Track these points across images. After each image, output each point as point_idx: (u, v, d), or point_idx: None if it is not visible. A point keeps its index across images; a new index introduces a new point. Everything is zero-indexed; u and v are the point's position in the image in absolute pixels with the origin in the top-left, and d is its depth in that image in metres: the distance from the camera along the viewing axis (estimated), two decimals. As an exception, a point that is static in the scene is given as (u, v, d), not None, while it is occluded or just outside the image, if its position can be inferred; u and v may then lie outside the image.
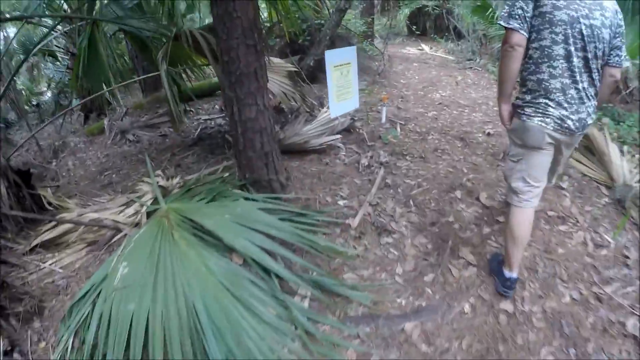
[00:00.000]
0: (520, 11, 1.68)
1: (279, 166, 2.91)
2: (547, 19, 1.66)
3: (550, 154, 1.87)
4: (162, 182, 3.10)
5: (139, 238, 2.19)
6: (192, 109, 5.63)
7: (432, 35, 10.10)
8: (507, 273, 2.05)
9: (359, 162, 3.52)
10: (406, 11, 10.58)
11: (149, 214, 2.75)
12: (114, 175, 4.09)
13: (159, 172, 3.40)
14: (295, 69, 4.49)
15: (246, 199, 2.55)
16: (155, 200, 2.77)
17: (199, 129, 4.83)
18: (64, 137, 5.72)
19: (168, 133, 5.05)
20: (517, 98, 1.88)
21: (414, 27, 10.12)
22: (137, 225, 2.71)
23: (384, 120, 4.44)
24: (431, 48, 9.21)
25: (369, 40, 6.94)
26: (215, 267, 2.00)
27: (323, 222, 2.62)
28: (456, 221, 2.73)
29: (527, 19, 1.69)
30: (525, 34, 1.69)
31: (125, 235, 2.62)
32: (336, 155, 3.67)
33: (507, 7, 1.74)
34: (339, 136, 3.79)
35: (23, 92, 9.06)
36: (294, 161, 3.53)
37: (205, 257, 2.05)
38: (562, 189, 3.01)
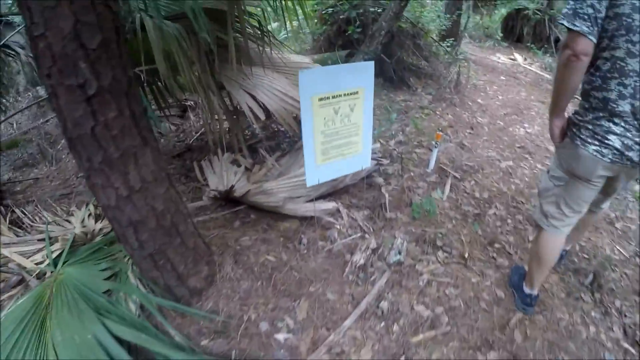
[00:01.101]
0: (590, 10, 1.30)
1: (189, 265, 1.74)
2: (624, 23, 1.30)
3: (599, 188, 1.59)
4: (78, 227, 2.16)
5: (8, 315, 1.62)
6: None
7: (528, 44, 7.72)
8: (527, 290, 1.93)
9: (351, 255, 2.19)
10: (503, 11, 8.24)
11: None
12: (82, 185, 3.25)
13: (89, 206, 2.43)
14: None
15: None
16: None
17: (186, 139, 3.77)
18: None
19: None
20: (574, 113, 1.55)
21: (508, 32, 7.91)
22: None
23: (431, 167, 2.97)
24: (525, 59, 6.94)
25: (452, 40, 5.14)
26: None
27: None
28: None
29: (598, 20, 1.31)
30: (594, 39, 1.32)
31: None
32: (324, 231, 2.36)
33: (572, 3, 1.33)
34: (331, 206, 2.45)
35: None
36: (248, 232, 2.32)
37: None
38: None
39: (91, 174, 1.34)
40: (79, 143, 1.25)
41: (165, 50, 2.23)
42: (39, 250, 2.12)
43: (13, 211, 2.57)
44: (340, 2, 4.37)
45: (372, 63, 1.79)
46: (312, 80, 1.71)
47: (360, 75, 1.79)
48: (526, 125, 4.13)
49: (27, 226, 2.43)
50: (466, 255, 2.24)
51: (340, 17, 4.34)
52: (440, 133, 2.92)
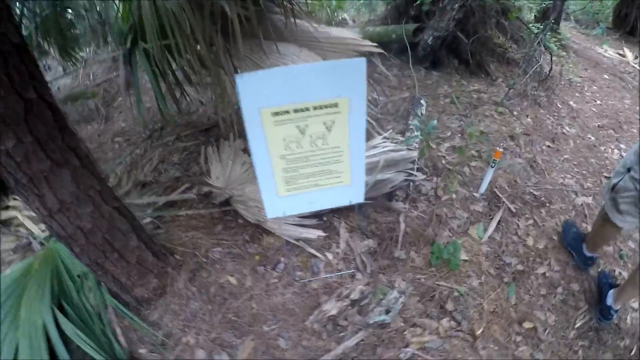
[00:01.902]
0: None
1: (133, 277, 1.65)
2: None
3: None
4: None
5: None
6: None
7: (643, 39, 5.67)
8: (588, 252, 1.99)
9: (328, 297, 1.78)
10: (618, -6, 6.11)
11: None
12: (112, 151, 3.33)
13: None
14: (377, 50, 2.61)
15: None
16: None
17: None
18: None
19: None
20: None
21: (621, 20, 5.86)
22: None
23: (482, 190, 2.33)
24: (636, 57, 5.08)
25: (552, 22, 3.86)
26: None
27: None
28: None
29: None
30: None
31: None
32: (308, 258, 1.97)
33: None
34: (316, 235, 2.02)
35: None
36: (224, 242, 2.03)
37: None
38: None
39: (15, 192, 1.30)
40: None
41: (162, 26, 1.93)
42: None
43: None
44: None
45: (362, 61, 1.25)
46: (259, 86, 1.25)
47: (343, 79, 1.27)
48: (622, 146, 3.02)
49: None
50: (479, 331, 1.68)
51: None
52: (501, 151, 2.20)
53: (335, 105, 1.32)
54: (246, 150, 2.59)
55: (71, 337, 1.55)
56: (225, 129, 2.52)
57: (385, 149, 2.31)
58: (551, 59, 3.49)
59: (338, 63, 1.24)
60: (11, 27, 1.13)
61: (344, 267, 1.93)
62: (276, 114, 1.32)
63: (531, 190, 2.42)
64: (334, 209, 2.14)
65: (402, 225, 2.06)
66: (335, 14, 5.21)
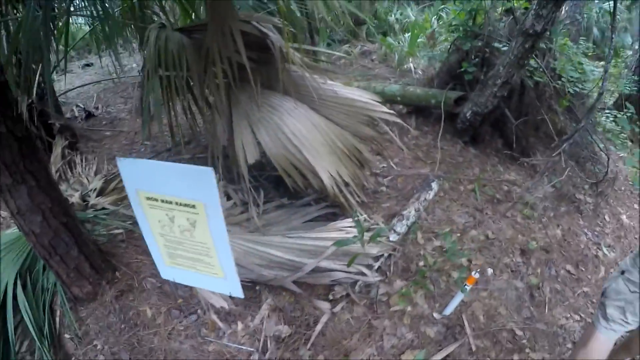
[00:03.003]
0: None
1: (71, 276, 1.91)
2: None
3: None
4: (76, 197, 2.55)
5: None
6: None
7: None
8: None
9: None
10: None
11: None
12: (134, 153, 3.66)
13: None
14: (393, 118, 2.46)
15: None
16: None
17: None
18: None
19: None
20: None
21: None
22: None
23: (447, 313, 1.97)
24: None
25: (632, 112, 3.05)
26: None
27: None
28: None
29: None
30: None
31: None
32: (217, 322, 1.87)
33: None
34: (219, 305, 1.89)
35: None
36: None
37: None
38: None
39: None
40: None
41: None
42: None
43: (75, 155, 3.18)
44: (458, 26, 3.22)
45: (210, 171, 1.15)
46: (135, 171, 1.25)
47: (196, 184, 1.19)
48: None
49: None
50: None
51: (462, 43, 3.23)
52: (477, 277, 1.82)
53: (194, 206, 1.23)
54: (227, 193, 2.59)
55: (19, 304, 1.85)
56: (212, 165, 2.58)
57: (345, 234, 2.11)
58: (608, 159, 2.84)
59: (190, 168, 1.17)
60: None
61: (247, 343, 1.80)
62: (148, 198, 1.29)
63: (513, 328, 1.96)
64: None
65: (319, 327, 1.84)
66: (404, 61, 5.02)
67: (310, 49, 2.74)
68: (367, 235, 1.91)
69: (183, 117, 2.51)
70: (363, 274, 2.01)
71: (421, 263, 2.21)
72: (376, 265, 2.09)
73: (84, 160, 3.15)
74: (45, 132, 3.16)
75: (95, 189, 2.70)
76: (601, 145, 3.04)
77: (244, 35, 2.03)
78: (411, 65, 4.75)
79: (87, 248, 1.92)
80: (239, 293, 1.49)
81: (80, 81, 5.71)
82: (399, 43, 5.32)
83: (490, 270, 2.20)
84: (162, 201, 1.26)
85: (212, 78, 2.15)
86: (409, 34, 5.37)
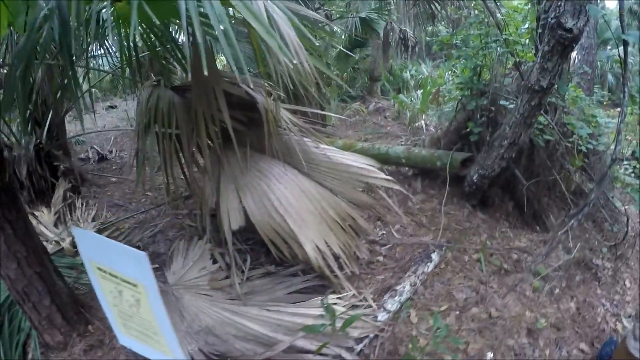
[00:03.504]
0: None
1: (43, 324, 1.96)
2: None
3: None
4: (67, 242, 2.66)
5: None
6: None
7: None
8: None
9: None
10: None
11: None
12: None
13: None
14: (392, 185, 2.44)
15: None
16: None
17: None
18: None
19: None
20: None
21: None
22: None
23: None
24: None
25: None
26: None
27: None
28: None
29: None
30: None
31: None
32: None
33: None
34: None
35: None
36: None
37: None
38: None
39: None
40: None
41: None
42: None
43: (77, 198, 3.28)
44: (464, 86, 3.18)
45: (144, 256, 1.11)
46: (87, 242, 1.25)
47: (134, 265, 1.16)
48: None
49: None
50: None
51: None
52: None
53: (136, 285, 1.20)
54: (213, 255, 2.54)
55: None
56: (200, 227, 2.56)
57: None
58: (628, 218, 2.58)
59: (128, 250, 1.15)
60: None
61: None
62: (99, 269, 1.27)
63: None
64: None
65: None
66: (416, 118, 5.03)
67: (302, 110, 2.76)
68: (348, 315, 1.79)
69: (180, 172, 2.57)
70: (341, 358, 1.85)
71: (409, 346, 2.01)
72: (358, 347, 1.91)
73: (84, 205, 3.21)
74: (50, 173, 3.28)
75: (87, 235, 2.78)
76: (618, 204, 2.81)
77: (231, 96, 2.07)
78: (423, 122, 4.75)
79: (59, 299, 1.95)
80: (184, 367, 1.39)
81: (103, 122, 6.07)
82: (411, 100, 5.37)
83: (490, 355, 1.97)
84: (111, 275, 1.23)
85: (202, 138, 2.19)
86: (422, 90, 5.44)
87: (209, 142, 2.24)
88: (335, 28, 7.18)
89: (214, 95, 1.96)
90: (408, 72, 6.56)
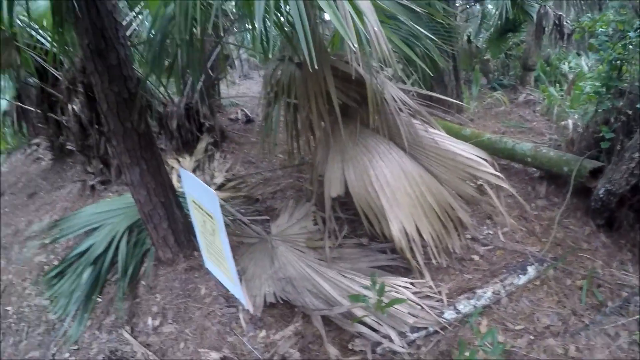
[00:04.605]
0: None
1: (160, 241, 2.49)
2: None
3: None
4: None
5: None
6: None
7: None
8: None
9: None
10: None
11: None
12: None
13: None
14: (501, 182, 2.30)
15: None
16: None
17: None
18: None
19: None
20: None
21: None
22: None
23: None
24: None
25: None
26: None
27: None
28: None
29: None
30: None
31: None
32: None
33: None
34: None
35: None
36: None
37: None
38: None
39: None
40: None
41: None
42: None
43: (216, 151, 3.88)
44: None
45: (213, 194, 1.36)
46: (189, 182, 1.60)
47: (208, 199, 1.42)
48: None
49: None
50: None
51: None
52: None
53: (212, 217, 1.46)
54: (315, 218, 2.73)
55: (120, 248, 2.60)
56: (308, 189, 2.79)
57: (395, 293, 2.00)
58: None
59: (206, 188, 1.40)
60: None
61: (260, 350, 1.95)
62: (194, 202, 1.60)
63: None
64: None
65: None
66: (564, 115, 4.26)
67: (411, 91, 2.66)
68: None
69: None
70: (390, 339, 1.87)
71: (467, 354, 1.87)
72: (412, 336, 1.91)
73: (221, 158, 3.83)
74: (196, 128, 3.96)
75: (216, 183, 3.29)
76: None
77: (345, 74, 2.17)
78: (570, 122, 4.02)
79: (175, 225, 2.45)
80: (244, 303, 1.64)
81: (258, 88, 6.75)
82: (562, 95, 4.57)
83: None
84: (200, 207, 1.55)
85: (313, 111, 2.35)
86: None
87: (314, 117, 2.40)
88: (489, 6, 6.46)
89: (322, 71, 2.05)
90: (567, 63, 5.53)
